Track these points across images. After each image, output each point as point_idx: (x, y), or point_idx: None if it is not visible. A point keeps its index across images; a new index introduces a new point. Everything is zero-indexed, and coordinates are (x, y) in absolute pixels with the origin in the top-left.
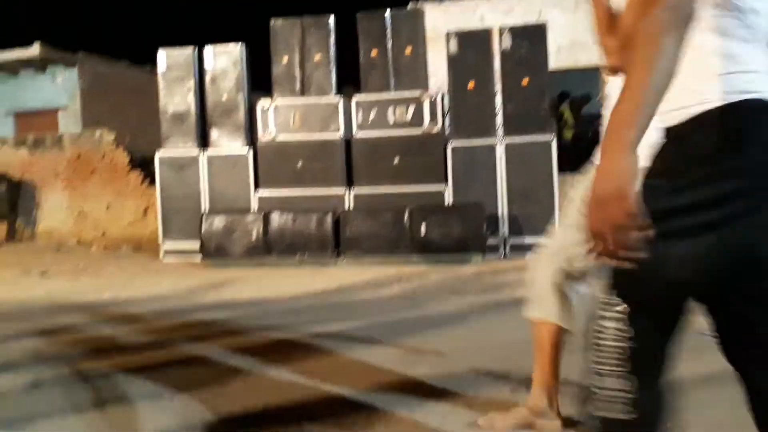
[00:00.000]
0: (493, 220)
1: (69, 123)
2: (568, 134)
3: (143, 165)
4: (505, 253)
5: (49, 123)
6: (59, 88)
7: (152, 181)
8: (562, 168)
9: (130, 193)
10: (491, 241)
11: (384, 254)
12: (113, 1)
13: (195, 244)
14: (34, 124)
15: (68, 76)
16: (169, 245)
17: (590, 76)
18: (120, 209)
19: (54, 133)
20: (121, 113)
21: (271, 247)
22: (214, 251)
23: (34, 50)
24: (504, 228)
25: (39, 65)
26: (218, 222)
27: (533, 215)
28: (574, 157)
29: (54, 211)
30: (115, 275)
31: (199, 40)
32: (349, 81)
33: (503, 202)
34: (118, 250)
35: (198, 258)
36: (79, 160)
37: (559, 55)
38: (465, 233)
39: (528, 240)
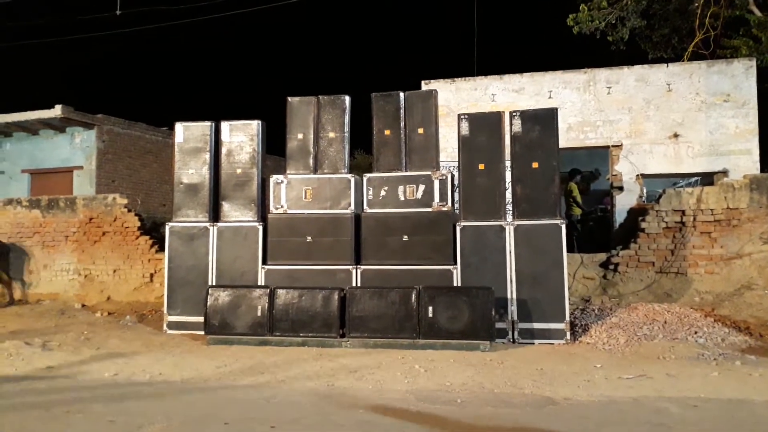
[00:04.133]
0: (502, 303)
1: (84, 182)
2: (577, 211)
3: (153, 229)
4: (513, 338)
5: (63, 182)
6: (76, 149)
7: (161, 247)
8: (571, 248)
9: (138, 258)
10: (499, 324)
11: (390, 335)
12: (136, 65)
13: (199, 318)
14: (49, 183)
15: (86, 136)
16: (173, 317)
17: (599, 155)
18: (127, 273)
19: (68, 195)
20: (136, 173)
21: (276, 325)
22: (218, 327)
23: (56, 111)
24: (513, 312)
25: (59, 126)
26: (224, 296)
27: (542, 300)
28: (584, 235)
29: (61, 273)
30: (118, 349)
31: (216, 105)
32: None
33: (512, 285)
34: (122, 317)
35: (201, 331)
36: (90, 223)
37: (569, 134)
38: (473, 317)
39: (537, 325)
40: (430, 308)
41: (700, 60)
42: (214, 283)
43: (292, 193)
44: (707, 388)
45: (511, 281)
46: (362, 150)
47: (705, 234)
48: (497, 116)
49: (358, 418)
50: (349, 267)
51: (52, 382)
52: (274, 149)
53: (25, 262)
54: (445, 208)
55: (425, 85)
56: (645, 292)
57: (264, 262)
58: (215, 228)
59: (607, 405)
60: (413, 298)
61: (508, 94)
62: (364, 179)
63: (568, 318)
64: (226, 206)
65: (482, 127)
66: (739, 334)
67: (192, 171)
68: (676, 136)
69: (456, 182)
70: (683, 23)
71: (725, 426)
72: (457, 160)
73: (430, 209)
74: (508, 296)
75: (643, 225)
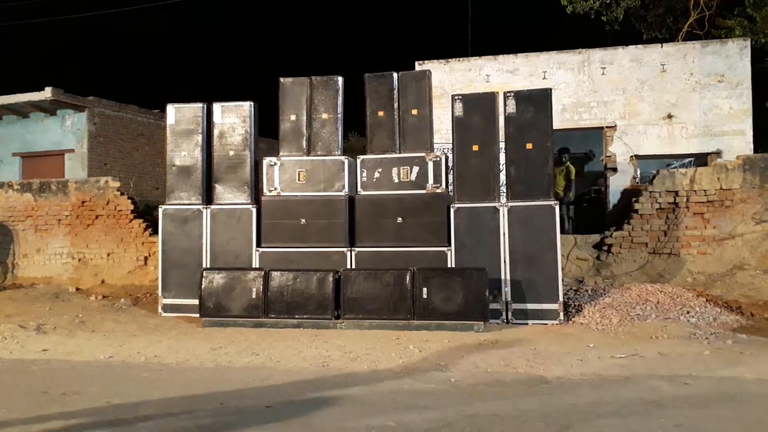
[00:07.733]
0: (496, 284)
1: (75, 165)
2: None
3: (147, 212)
4: (507, 319)
5: (55, 165)
6: (68, 132)
7: (155, 230)
8: (564, 230)
9: (132, 241)
10: (493, 305)
11: (385, 317)
12: (126, 47)
13: (194, 301)
14: (41, 166)
15: (77, 119)
16: (167, 300)
17: (593, 136)
18: (121, 257)
19: (60, 178)
20: (128, 156)
21: (271, 307)
22: (213, 309)
23: (46, 93)
24: (506, 292)
25: (49, 108)
26: (218, 279)
27: (536, 280)
28: (578, 216)
29: (55, 257)
30: (113, 332)
31: (208, 87)
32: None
33: (506, 266)
34: (117, 301)
35: (196, 314)
36: (83, 207)
37: (563, 115)
38: (467, 298)
39: (530, 306)
40: (425, 289)
41: (694, 40)
42: (208, 266)
43: (285, 175)
44: (699, 366)
45: (505, 262)
46: (356, 132)
47: (698, 215)
48: (491, 97)
49: (353, 398)
50: (344, 249)
51: (48, 365)
52: (267, 131)
53: (18, 245)
54: (439, 190)
55: (419, 66)
56: (638, 272)
57: (258, 245)
58: (209, 210)
59: (599, 383)
60: (408, 279)
61: (503, 74)
62: (358, 161)
63: (561, 298)
64: (219, 188)
65: (476, 108)
66: (730, 313)
67: (184, 153)
68: (670, 116)
69: (450, 164)
70: (678, 3)
71: (716, 403)
72: (451, 141)
73: (424, 191)
74: (502, 277)
75: (637, 206)
